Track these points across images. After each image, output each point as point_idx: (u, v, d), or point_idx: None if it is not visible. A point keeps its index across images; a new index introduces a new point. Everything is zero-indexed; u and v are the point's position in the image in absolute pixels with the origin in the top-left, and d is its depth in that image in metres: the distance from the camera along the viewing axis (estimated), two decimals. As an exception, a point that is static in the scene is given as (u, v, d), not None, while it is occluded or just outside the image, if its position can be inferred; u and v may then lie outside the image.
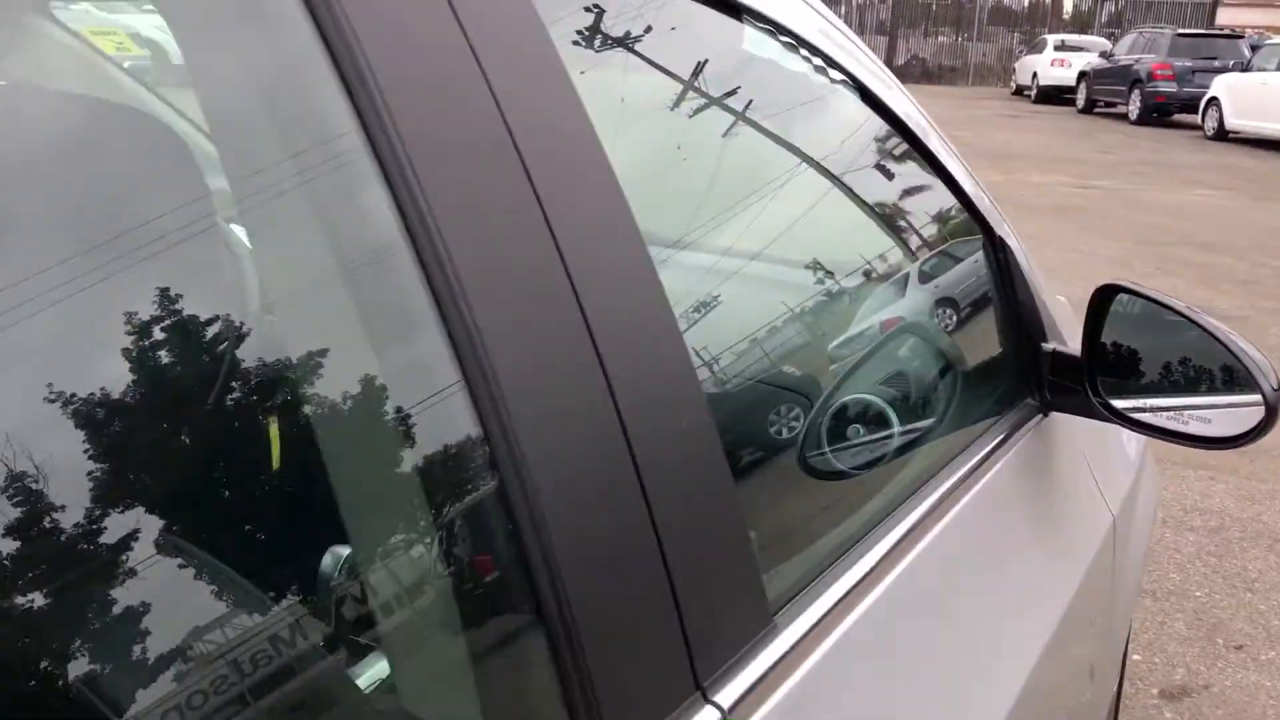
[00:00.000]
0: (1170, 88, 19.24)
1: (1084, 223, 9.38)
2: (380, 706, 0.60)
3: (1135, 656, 3.00)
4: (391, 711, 0.61)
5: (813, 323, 1.40)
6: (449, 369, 0.57)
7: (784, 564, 0.89)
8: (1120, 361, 1.36)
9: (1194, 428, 1.29)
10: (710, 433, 0.72)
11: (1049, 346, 1.43)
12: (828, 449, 1.27)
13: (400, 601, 0.59)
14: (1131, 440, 1.84)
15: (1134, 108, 19.69)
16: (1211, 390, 1.29)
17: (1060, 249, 8.04)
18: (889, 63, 28.96)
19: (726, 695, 0.66)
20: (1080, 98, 21.86)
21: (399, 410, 0.59)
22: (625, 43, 0.92)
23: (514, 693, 0.61)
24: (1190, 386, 1.31)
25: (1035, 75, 24.14)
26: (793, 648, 0.74)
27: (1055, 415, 1.46)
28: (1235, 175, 13.30)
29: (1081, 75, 21.95)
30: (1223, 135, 17.32)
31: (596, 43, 0.88)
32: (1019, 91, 25.61)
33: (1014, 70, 26.73)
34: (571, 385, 0.61)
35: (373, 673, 0.59)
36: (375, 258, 0.60)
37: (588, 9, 0.86)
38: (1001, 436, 1.32)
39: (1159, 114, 19.46)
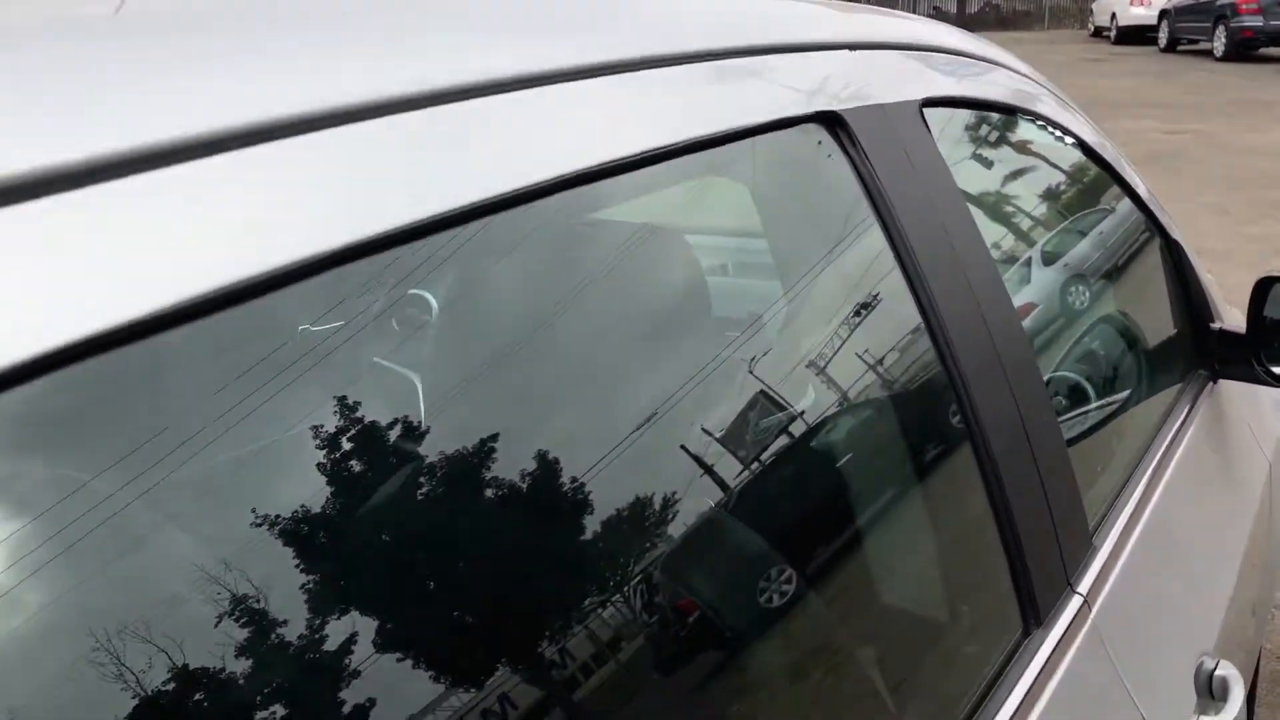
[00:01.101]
0: (1256, 21, 18.89)
1: (1177, 169, 9.45)
2: None
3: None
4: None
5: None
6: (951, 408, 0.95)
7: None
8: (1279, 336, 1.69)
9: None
10: (1054, 419, 1.10)
11: (1217, 326, 1.77)
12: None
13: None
14: (1274, 399, 2.15)
15: (1219, 44, 19.38)
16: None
17: (1165, 201, 8.17)
18: (961, 10, 28.68)
19: (1082, 587, 1.03)
20: (1162, 36, 21.53)
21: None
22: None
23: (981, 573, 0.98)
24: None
25: (1114, 15, 23.77)
26: (1104, 564, 1.11)
27: (1223, 382, 1.79)
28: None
29: (1163, 13, 21.59)
30: (1316, 69, 17.01)
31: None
32: (1097, 33, 25.24)
33: (1091, 11, 26.33)
34: (998, 398, 0.98)
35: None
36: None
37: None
38: (1188, 404, 1.66)
39: (1245, 49, 19.15)
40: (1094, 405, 1.66)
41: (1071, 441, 1.53)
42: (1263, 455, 1.90)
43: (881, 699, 0.85)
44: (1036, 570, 0.94)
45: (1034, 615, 0.94)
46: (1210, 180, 8.99)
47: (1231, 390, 1.85)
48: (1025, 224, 1.62)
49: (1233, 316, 1.91)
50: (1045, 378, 1.63)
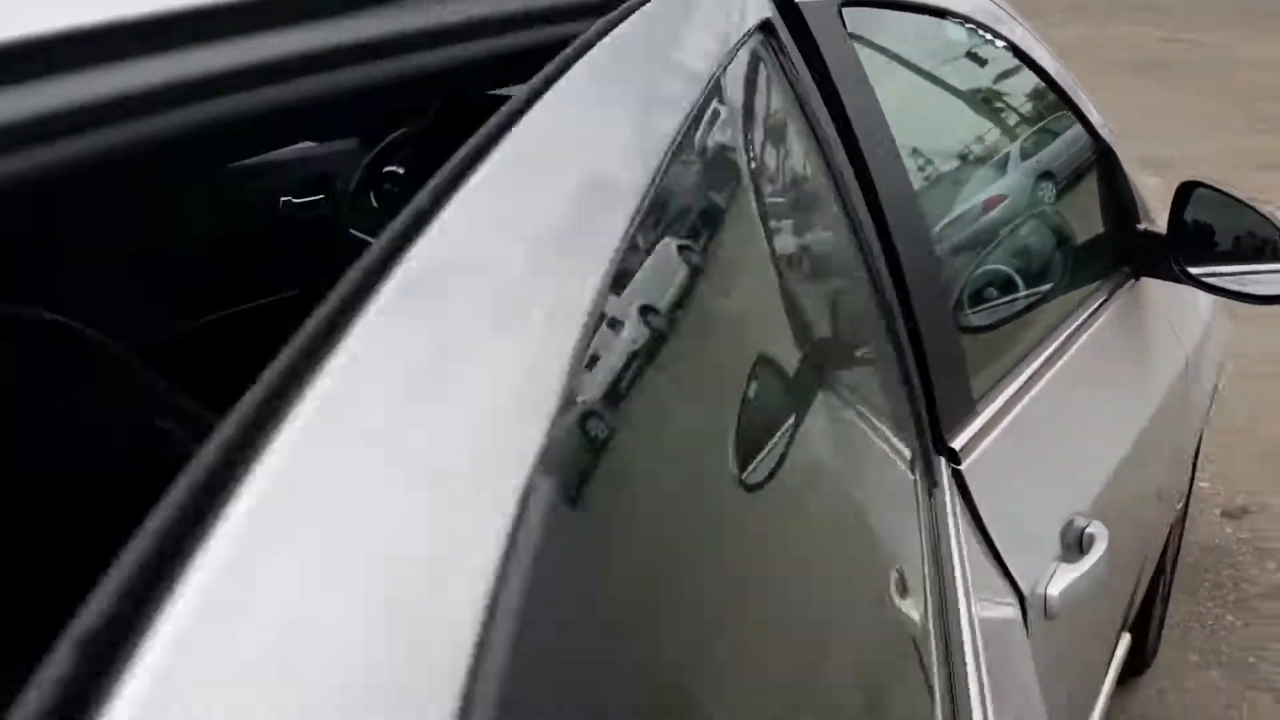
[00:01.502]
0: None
1: (1170, 79, 9.39)
2: None
3: (1203, 484, 3.47)
4: None
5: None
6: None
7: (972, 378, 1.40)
8: (1197, 239, 1.81)
9: (1249, 288, 1.75)
10: (943, 299, 1.22)
11: (1141, 226, 1.88)
12: (967, 308, 1.75)
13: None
14: (1204, 299, 2.28)
15: (1234, -49, 19.01)
16: (1264, 260, 1.74)
17: (1146, 109, 8.18)
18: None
19: (956, 444, 1.18)
20: (1178, -59, 21.08)
21: None
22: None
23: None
24: (1248, 258, 1.76)
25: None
26: (982, 426, 1.25)
27: (1145, 280, 1.92)
28: (1340, 23, 12.95)
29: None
30: (1327, -21, 16.72)
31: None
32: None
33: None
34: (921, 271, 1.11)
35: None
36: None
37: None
38: (1104, 296, 1.79)
39: (1261, -44, 18.75)
40: (1020, 294, 1.79)
41: (984, 326, 1.66)
42: (1181, 352, 2.03)
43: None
44: (906, 428, 1.08)
45: (906, 465, 1.08)
46: (1204, 91, 8.96)
47: (1159, 290, 1.97)
48: (950, 127, 1.72)
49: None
50: (973, 268, 1.76)
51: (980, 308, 1.74)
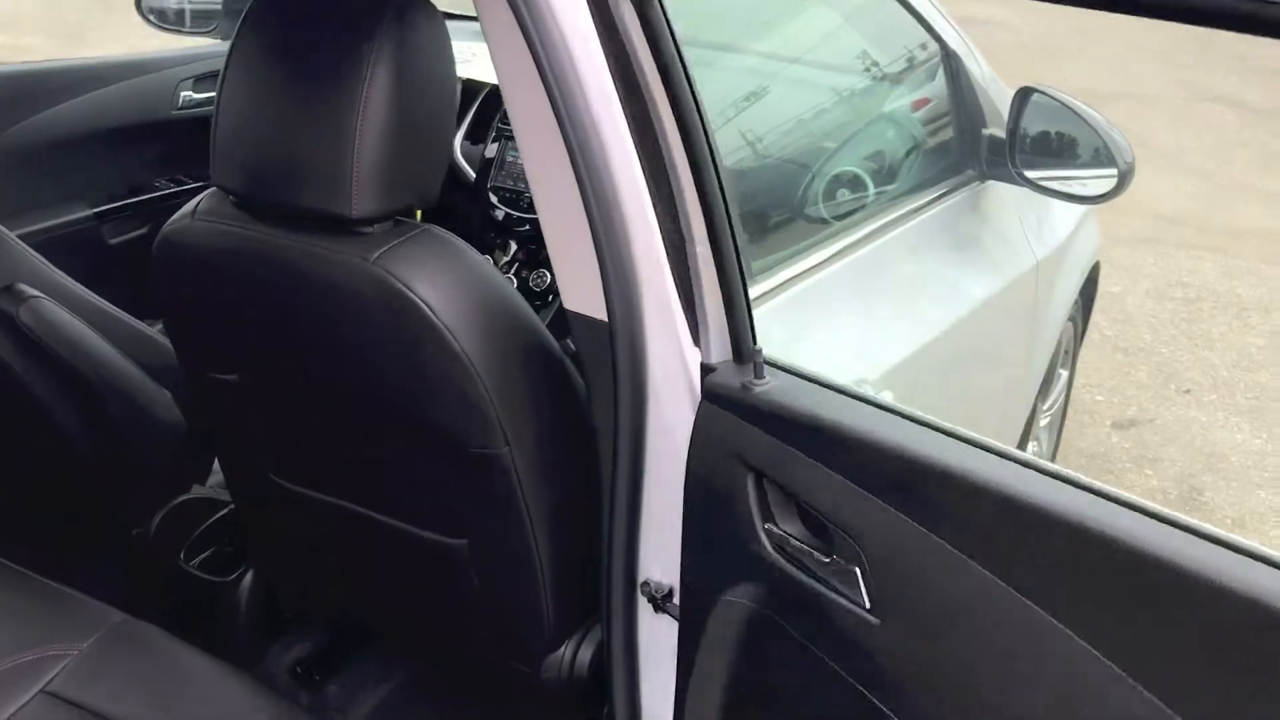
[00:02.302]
0: None
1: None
2: None
3: (1098, 397, 3.63)
4: None
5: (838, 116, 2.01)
6: None
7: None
8: (1034, 143, 1.91)
9: (1075, 189, 1.86)
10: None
11: (987, 131, 1.99)
12: (821, 204, 1.86)
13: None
14: (1072, 211, 2.39)
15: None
16: (1090, 165, 1.85)
17: (1103, 42, 8.23)
18: None
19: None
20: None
21: None
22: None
23: None
24: (1077, 161, 1.87)
25: None
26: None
27: (991, 182, 2.02)
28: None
29: None
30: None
31: None
32: None
33: None
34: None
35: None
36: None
37: None
38: (946, 192, 1.90)
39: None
40: (870, 192, 1.90)
41: (825, 218, 1.78)
42: (1031, 252, 2.15)
43: None
44: None
45: None
46: (1159, 25, 8.99)
47: (1005, 194, 2.09)
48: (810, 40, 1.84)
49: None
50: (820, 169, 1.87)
51: (832, 202, 1.86)
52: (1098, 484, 0.83)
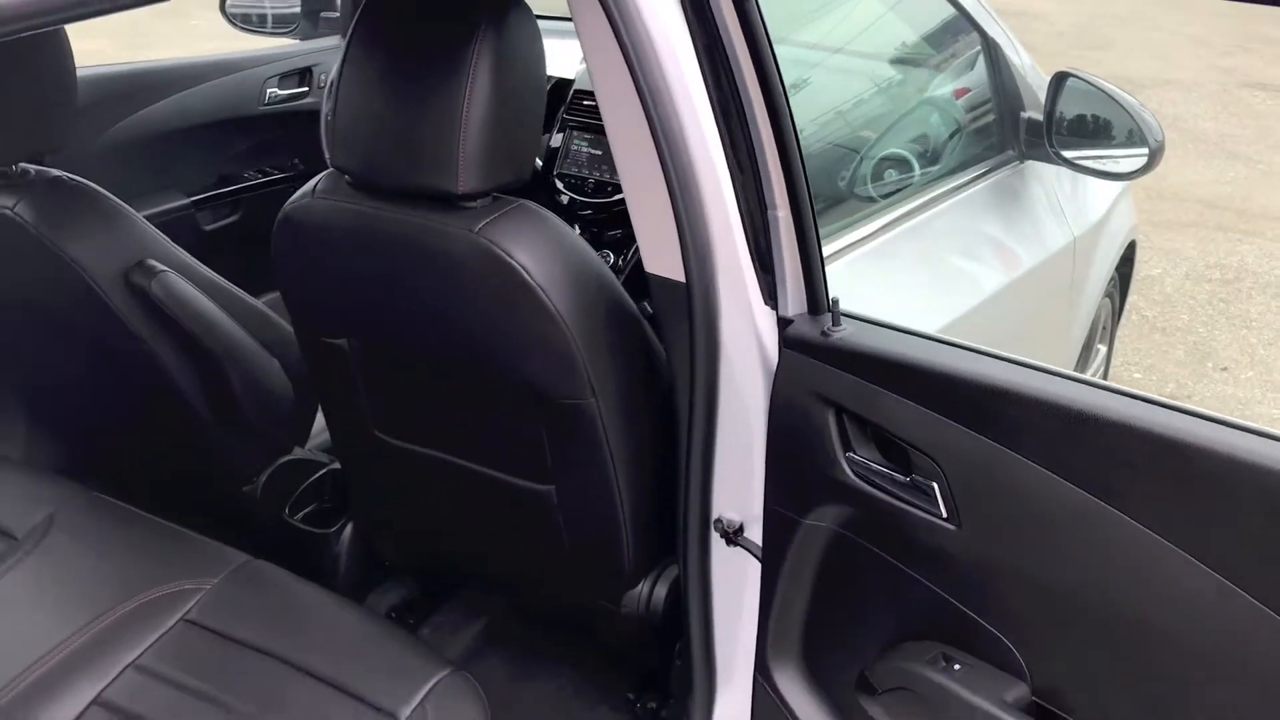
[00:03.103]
0: None
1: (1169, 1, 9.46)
2: None
3: (1136, 375, 3.73)
4: None
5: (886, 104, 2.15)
6: None
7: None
8: (1070, 124, 2.04)
9: (1109, 167, 1.98)
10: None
11: (1025, 114, 2.11)
12: (870, 184, 2.00)
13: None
14: (1108, 189, 2.51)
15: None
16: (1123, 144, 1.98)
17: (1141, 29, 8.28)
18: None
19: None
20: None
21: None
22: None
23: None
24: (1111, 141, 1.99)
25: None
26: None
27: (1030, 162, 2.15)
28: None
29: None
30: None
31: None
32: None
33: None
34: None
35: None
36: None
37: None
38: (987, 171, 2.03)
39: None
40: (916, 172, 2.04)
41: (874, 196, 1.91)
42: (1069, 229, 2.27)
43: None
44: None
45: None
46: (1198, 8, 9.01)
47: (1045, 172, 2.21)
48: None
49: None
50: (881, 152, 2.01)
51: (880, 182, 2.00)
52: (1147, 394, 0.97)
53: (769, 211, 1.20)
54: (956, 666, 1.09)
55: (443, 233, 1.33)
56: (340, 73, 1.37)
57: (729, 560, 1.42)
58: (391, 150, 1.33)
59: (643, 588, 1.60)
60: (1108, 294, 2.67)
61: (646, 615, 1.60)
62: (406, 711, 1.35)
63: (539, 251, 1.31)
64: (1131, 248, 2.75)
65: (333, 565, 1.90)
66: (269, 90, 2.54)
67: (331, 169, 1.46)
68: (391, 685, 1.38)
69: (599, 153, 2.23)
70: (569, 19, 1.72)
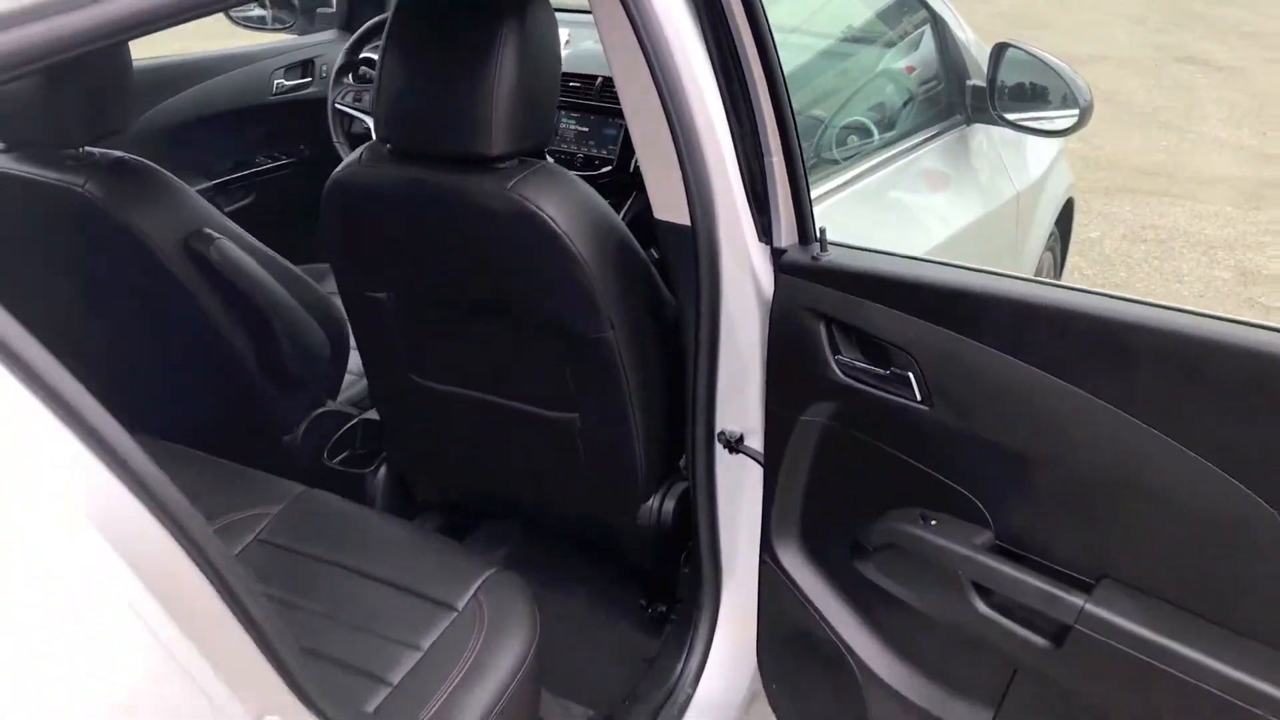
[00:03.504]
0: None
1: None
2: None
3: (1080, 328, 4.01)
4: None
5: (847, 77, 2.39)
6: None
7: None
8: (1010, 90, 2.29)
9: (1045, 125, 2.24)
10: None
11: (970, 82, 2.37)
12: (835, 149, 2.24)
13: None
14: (1045, 149, 2.77)
15: None
16: (1057, 105, 2.23)
17: (1078, 9, 8.61)
18: None
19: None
20: None
21: None
22: None
23: None
24: (1047, 103, 2.25)
25: None
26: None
27: (975, 125, 2.41)
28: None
29: None
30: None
31: None
32: None
33: None
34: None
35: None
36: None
37: None
38: (939, 133, 2.28)
39: None
40: (875, 136, 2.28)
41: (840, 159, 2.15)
42: (1011, 185, 2.53)
43: None
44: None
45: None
46: (1134, -10, 9.38)
47: (990, 134, 2.47)
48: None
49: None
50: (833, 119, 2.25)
51: (844, 154, 2.24)
52: (1080, 285, 1.21)
53: (765, 159, 1.43)
54: (933, 522, 1.33)
55: (479, 190, 1.55)
56: (382, 60, 1.59)
57: (731, 467, 1.65)
58: (432, 122, 1.54)
59: (654, 501, 1.83)
60: (1049, 248, 2.93)
61: (658, 525, 1.83)
62: (462, 603, 1.57)
63: (563, 204, 1.54)
64: (1069, 205, 3.02)
65: (370, 501, 2.12)
66: (276, 81, 2.74)
67: (374, 140, 1.68)
68: (446, 583, 1.60)
69: (585, 129, 2.45)
70: (573, 10, 1.94)
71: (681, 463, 1.84)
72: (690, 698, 1.74)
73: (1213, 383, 1.10)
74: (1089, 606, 1.19)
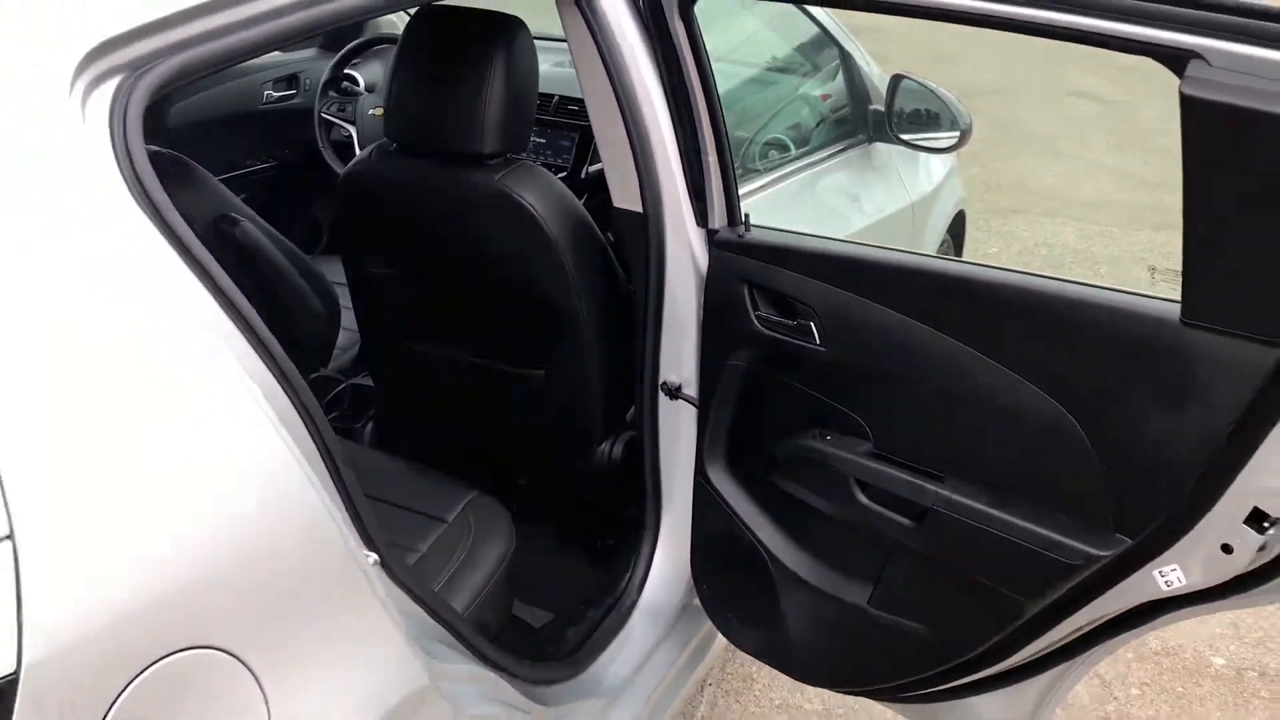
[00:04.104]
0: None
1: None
2: None
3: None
4: None
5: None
6: None
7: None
8: (907, 115, 2.73)
9: (932, 144, 2.68)
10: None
11: (872, 107, 2.80)
12: (758, 160, 2.65)
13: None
14: (937, 168, 3.22)
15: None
16: (942, 127, 2.67)
17: (983, 45, 9.18)
18: None
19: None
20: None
21: None
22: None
23: None
24: (934, 125, 2.69)
25: None
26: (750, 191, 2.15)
27: (876, 143, 2.84)
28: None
29: None
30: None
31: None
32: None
33: None
34: None
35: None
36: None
37: None
38: (845, 149, 2.70)
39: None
40: (791, 153, 2.70)
41: (762, 169, 2.56)
42: (906, 194, 2.97)
43: None
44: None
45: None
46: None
47: (890, 151, 2.90)
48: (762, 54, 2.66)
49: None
50: (756, 136, 2.66)
51: (765, 164, 2.65)
52: (947, 256, 1.62)
53: (703, 157, 1.83)
54: (828, 438, 1.72)
55: (471, 182, 1.92)
56: (393, 74, 1.96)
57: (672, 412, 2.04)
58: (434, 125, 1.91)
59: (606, 446, 2.21)
60: (943, 252, 3.38)
61: (609, 466, 2.21)
62: (452, 516, 1.93)
63: (541, 195, 1.92)
64: (961, 216, 3.47)
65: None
66: (265, 92, 3.08)
67: (381, 140, 2.04)
68: (437, 501, 1.96)
69: (543, 140, 2.83)
70: (551, 38, 2.34)
71: (629, 415, 2.22)
72: (635, 603, 2.12)
73: (1030, 322, 1.51)
74: (941, 491, 1.60)
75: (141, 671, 0.97)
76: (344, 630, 1.20)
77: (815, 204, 2.59)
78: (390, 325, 2.23)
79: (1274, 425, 1.31)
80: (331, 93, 3.03)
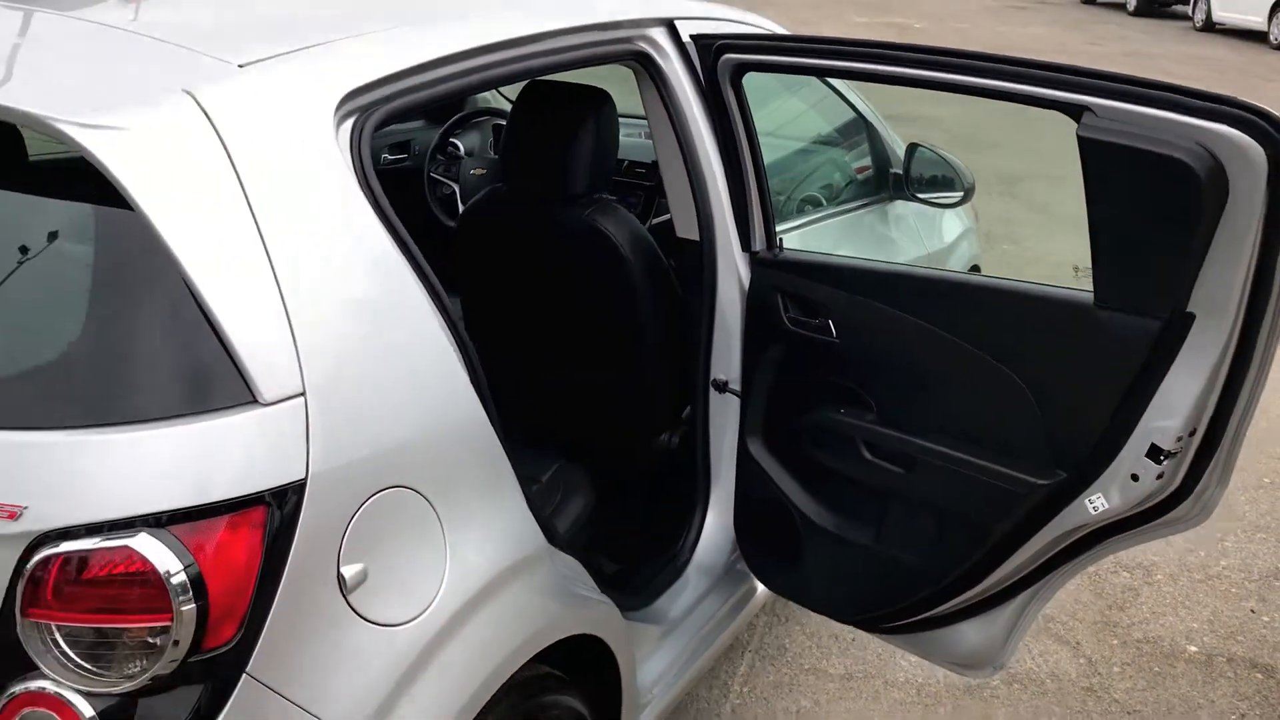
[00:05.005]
0: (1167, -22, 20.48)
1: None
2: None
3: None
4: None
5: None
6: None
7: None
8: (925, 178, 3.25)
9: (941, 200, 3.20)
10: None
11: (892, 170, 3.34)
12: (795, 214, 3.18)
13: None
14: (952, 228, 3.73)
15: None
16: (951, 188, 3.20)
17: (1021, 132, 9.71)
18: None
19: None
20: (1085, -12, 23.10)
21: None
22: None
23: None
24: (944, 185, 3.21)
25: (1045, -35, 25.23)
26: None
27: (896, 201, 3.37)
28: (1210, 67, 14.75)
29: (1087, -34, 23.11)
30: (1210, 27, 18.71)
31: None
32: (1031, -20, 26.71)
33: (1027, -41, 27.73)
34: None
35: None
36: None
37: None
38: (869, 203, 3.24)
39: (1159, 5, 20.78)
40: (824, 209, 3.23)
41: (800, 224, 3.09)
42: (923, 245, 3.49)
43: None
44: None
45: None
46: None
47: (915, 209, 3.43)
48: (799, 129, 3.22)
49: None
50: (793, 193, 3.20)
51: (801, 215, 3.19)
52: (938, 269, 2.14)
53: (747, 194, 2.36)
54: (842, 411, 2.22)
55: (566, 216, 2.46)
56: (507, 132, 2.52)
57: (720, 404, 2.54)
58: (538, 172, 2.46)
59: (666, 435, 2.71)
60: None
61: (668, 448, 2.71)
62: (545, 477, 2.44)
63: (621, 227, 2.45)
64: (976, 268, 3.97)
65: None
66: (382, 155, 3.68)
67: (493, 185, 2.60)
68: (534, 466, 2.46)
69: (613, 198, 3.38)
70: (626, 115, 2.90)
71: (684, 414, 2.73)
72: (689, 560, 2.60)
73: (990, 311, 2.02)
74: (925, 443, 2.09)
75: (373, 495, 1.49)
76: (492, 494, 1.72)
77: (842, 240, 3.11)
78: (492, 333, 2.76)
79: (1161, 379, 1.80)
80: (439, 157, 3.63)
